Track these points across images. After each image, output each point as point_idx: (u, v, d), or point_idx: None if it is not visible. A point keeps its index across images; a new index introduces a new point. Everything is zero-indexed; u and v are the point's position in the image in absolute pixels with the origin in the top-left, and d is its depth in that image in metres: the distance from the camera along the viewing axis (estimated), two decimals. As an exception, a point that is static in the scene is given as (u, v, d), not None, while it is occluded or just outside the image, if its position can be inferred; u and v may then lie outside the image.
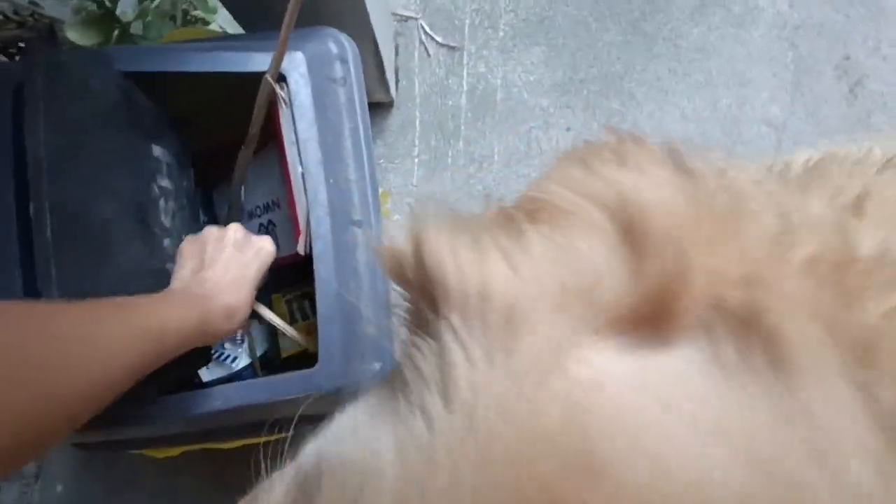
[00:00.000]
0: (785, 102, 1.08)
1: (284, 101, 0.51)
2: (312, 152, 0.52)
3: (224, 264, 0.49)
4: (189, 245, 0.50)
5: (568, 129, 1.06)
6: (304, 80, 0.53)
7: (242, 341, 0.69)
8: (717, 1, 1.08)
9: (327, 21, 0.64)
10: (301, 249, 0.54)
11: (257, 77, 0.52)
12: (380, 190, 0.62)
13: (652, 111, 1.07)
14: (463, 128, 1.06)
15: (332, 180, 0.53)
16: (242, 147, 0.54)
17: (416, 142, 1.06)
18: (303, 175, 0.51)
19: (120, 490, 1.02)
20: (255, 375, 0.67)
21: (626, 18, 1.07)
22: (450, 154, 1.05)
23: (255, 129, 0.52)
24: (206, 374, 0.68)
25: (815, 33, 1.09)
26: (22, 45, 0.83)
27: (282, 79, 0.53)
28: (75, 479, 1.05)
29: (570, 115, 1.06)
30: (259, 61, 0.50)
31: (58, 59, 0.39)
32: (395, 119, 1.06)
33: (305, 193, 0.52)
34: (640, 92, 1.07)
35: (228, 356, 0.68)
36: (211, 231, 0.51)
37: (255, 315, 0.54)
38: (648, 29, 1.07)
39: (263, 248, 0.53)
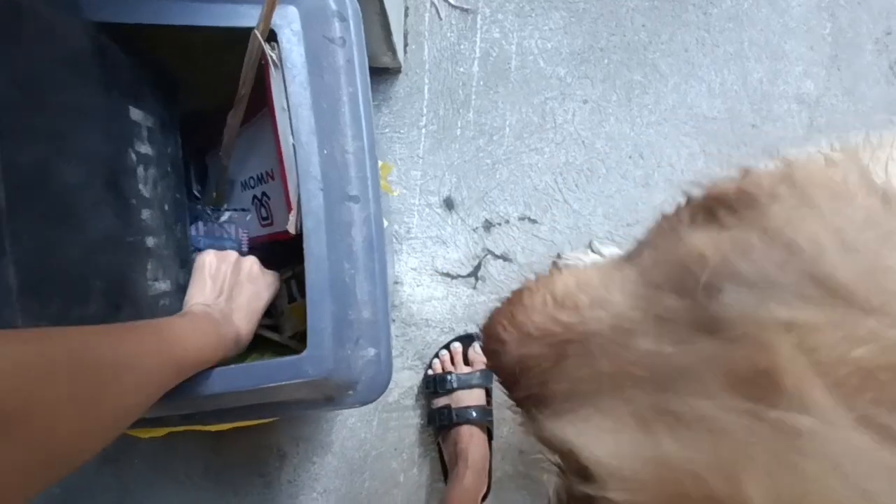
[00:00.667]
0: (820, 78, 1.00)
1: (274, 62, 0.46)
2: (305, 119, 0.47)
3: (242, 295, 0.52)
4: (211, 261, 0.52)
5: (585, 102, 1.00)
6: (298, 38, 0.47)
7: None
8: (754, -34, 1.00)
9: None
10: (291, 228, 0.50)
11: (247, 32, 0.47)
12: (380, 163, 0.58)
13: (677, 84, 1.00)
14: (474, 97, 1.00)
15: (326, 151, 0.48)
16: (231, 112, 0.49)
17: (424, 110, 1.00)
18: (294, 145, 0.47)
19: (111, 462, 1.01)
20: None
21: (652, -17, 0.99)
22: (459, 125, 1.00)
23: (243, 90, 0.47)
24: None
25: (857, 3, 1.01)
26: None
27: (272, 36, 0.48)
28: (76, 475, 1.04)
29: (588, 86, 1.00)
30: (247, 14, 0.45)
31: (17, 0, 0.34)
32: (402, 85, 1.00)
33: (297, 165, 0.47)
34: (664, 63, 1.00)
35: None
36: (231, 255, 0.54)
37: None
38: (671, 2, 1.00)
39: (273, 284, 0.56)
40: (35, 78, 0.36)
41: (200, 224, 0.68)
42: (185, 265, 0.57)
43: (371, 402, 0.53)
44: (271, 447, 1.02)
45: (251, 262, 0.55)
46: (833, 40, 1.01)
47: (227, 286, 0.52)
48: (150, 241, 0.48)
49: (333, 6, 0.52)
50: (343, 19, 0.52)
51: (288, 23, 0.48)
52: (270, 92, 0.50)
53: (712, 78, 1.00)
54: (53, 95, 0.37)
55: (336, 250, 0.49)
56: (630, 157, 1.00)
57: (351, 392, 0.53)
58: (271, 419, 0.57)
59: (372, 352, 0.53)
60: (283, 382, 0.46)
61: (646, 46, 1.00)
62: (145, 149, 0.48)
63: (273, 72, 0.48)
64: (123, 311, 0.43)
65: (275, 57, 0.46)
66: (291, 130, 0.47)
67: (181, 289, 0.55)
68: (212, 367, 0.45)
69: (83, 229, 0.38)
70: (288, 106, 0.47)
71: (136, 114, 0.47)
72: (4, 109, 0.33)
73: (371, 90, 0.59)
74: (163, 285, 0.51)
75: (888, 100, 1.02)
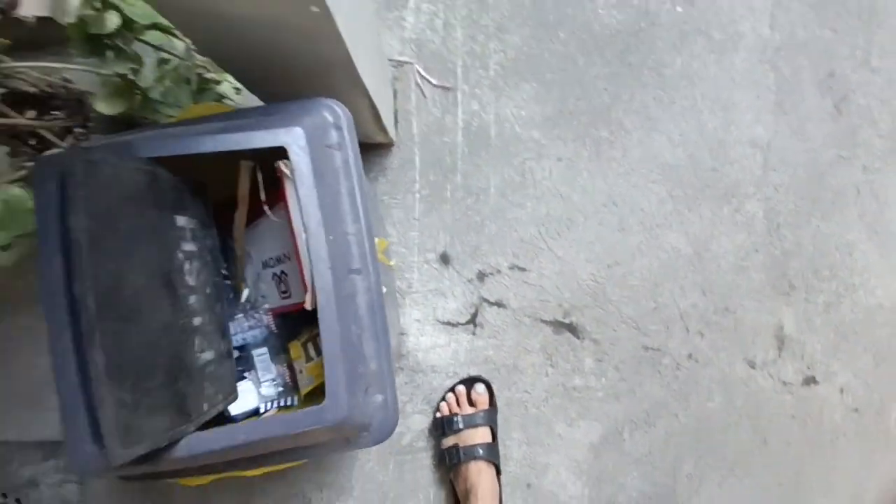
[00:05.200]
0: (769, 123, 1.12)
1: (287, 175, 0.58)
2: (313, 214, 0.59)
3: None
4: None
5: (559, 160, 1.12)
6: (304, 152, 0.60)
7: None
8: (699, 29, 1.13)
9: (324, 83, 0.72)
10: (308, 305, 0.61)
11: (256, 149, 0.60)
12: (376, 239, 0.69)
13: (641, 138, 1.12)
14: (460, 163, 1.12)
15: (331, 237, 0.60)
16: (236, 213, 0.61)
17: (417, 178, 1.12)
18: (306, 237, 0.58)
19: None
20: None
21: (611, 52, 1.13)
22: (448, 188, 1.12)
23: (242, 192, 0.59)
24: (233, 408, 0.75)
25: (798, 53, 1.13)
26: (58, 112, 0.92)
27: (284, 153, 0.60)
28: (116, 506, 1.13)
29: (561, 145, 1.12)
30: (259, 139, 0.58)
31: (91, 158, 0.47)
32: (395, 158, 1.13)
33: (309, 252, 0.59)
34: (628, 120, 1.12)
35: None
36: None
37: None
38: (633, 60, 1.13)
39: None
40: (108, 212, 0.48)
41: (240, 316, 0.80)
42: (224, 336, 0.67)
43: (383, 440, 0.63)
44: (298, 495, 1.11)
45: None
46: (777, 88, 1.13)
47: None
48: (197, 321, 0.59)
49: (330, 119, 0.64)
50: (338, 128, 0.64)
51: (295, 140, 0.60)
52: (285, 193, 0.62)
53: (672, 130, 1.12)
54: (121, 222, 0.49)
55: (345, 317, 0.60)
56: (605, 206, 1.11)
57: (365, 433, 0.63)
58: (301, 462, 0.66)
59: (380, 398, 0.63)
60: (308, 429, 0.56)
61: (609, 107, 1.12)
62: (189, 246, 0.59)
63: (287, 181, 0.61)
64: (180, 381, 0.54)
65: (287, 171, 0.59)
66: (303, 225, 0.59)
67: (223, 356, 0.65)
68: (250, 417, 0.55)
69: (147, 321, 0.49)
70: (300, 205, 0.59)
71: (180, 220, 0.59)
72: (91, 238, 0.45)
73: (368, 164, 0.71)
74: (208, 355, 0.62)
75: (836, 136, 1.13)
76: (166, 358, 0.52)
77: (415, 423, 1.11)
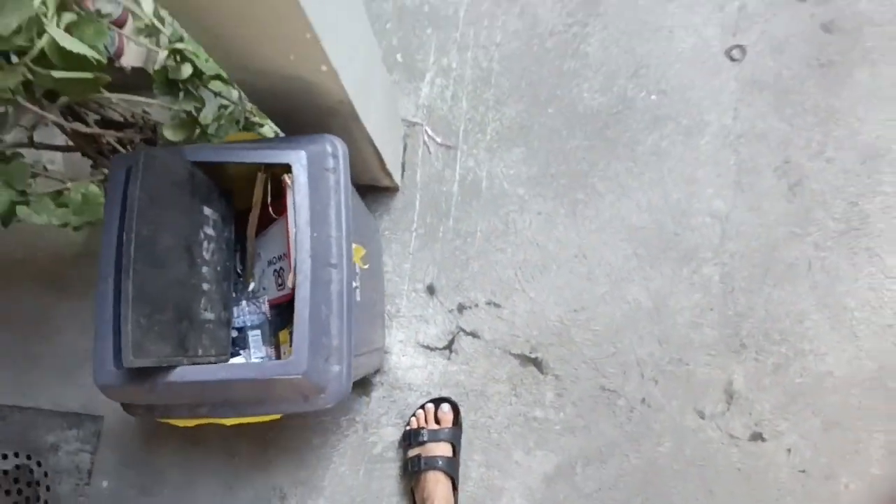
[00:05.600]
0: (728, 198, 1.26)
1: (289, 184, 0.78)
2: (303, 215, 0.77)
3: None
4: None
5: (539, 213, 1.28)
6: (304, 170, 0.79)
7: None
8: (670, 115, 1.32)
9: (336, 126, 0.93)
10: (289, 283, 0.78)
11: (273, 165, 0.80)
12: (355, 246, 0.87)
13: (612, 201, 1.28)
14: (453, 209, 1.31)
15: (315, 234, 0.78)
16: (251, 213, 0.81)
17: (415, 218, 1.31)
18: (295, 232, 0.77)
19: (151, 482, 1.24)
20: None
21: (591, 128, 1.32)
22: (441, 230, 1.30)
23: (256, 197, 0.79)
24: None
25: (757, 141, 1.29)
26: (134, 142, 1.17)
27: (289, 168, 0.80)
28: (118, 477, 1.27)
29: (541, 202, 1.29)
30: (270, 155, 0.78)
31: (152, 153, 0.67)
32: (399, 200, 1.33)
33: (296, 243, 0.77)
34: (601, 185, 1.29)
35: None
36: None
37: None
38: (610, 135, 1.31)
39: None
40: (157, 191, 0.68)
41: (244, 303, 0.98)
42: (226, 308, 0.85)
43: (333, 404, 0.77)
44: (275, 488, 1.22)
45: None
46: (737, 169, 1.28)
47: None
48: (205, 286, 0.77)
49: (329, 150, 0.84)
50: (335, 157, 0.84)
51: (299, 159, 0.80)
52: (286, 200, 0.81)
53: (640, 197, 1.28)
54: (164, 198, 0.69)
55: (317, 297, 0.77)
56: (576, 257, 1.26)
57: (322, 395, 0.77)
58: (269, 417, 0.80)
59: (337, 368, 0.78)
60: (274, 376, 0.71)
61: (586, 173, 1.30)
62: (210, 231, 0.78)
63: (289, 190, 0.80)
64: (183, 323, 0.71)
65: (289, 182, 0.78)
66: (295, 222, 0.77)
67: (222, 322, 0.82)
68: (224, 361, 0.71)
69: (169, 272, 0.67)
70: (295, 207, 0.78)
71: (207, 210, 0.79)
72: (141, 208, 0.65)
73: (375, 204, 0.90)
74: (210, 315, 0.79)
75: (790, 214, 1.26)
76: (177, 303, 0.70)
77: (387, 435, 1.23)
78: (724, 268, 1.23)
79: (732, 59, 1.33)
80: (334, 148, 0.84)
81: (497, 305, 1.25)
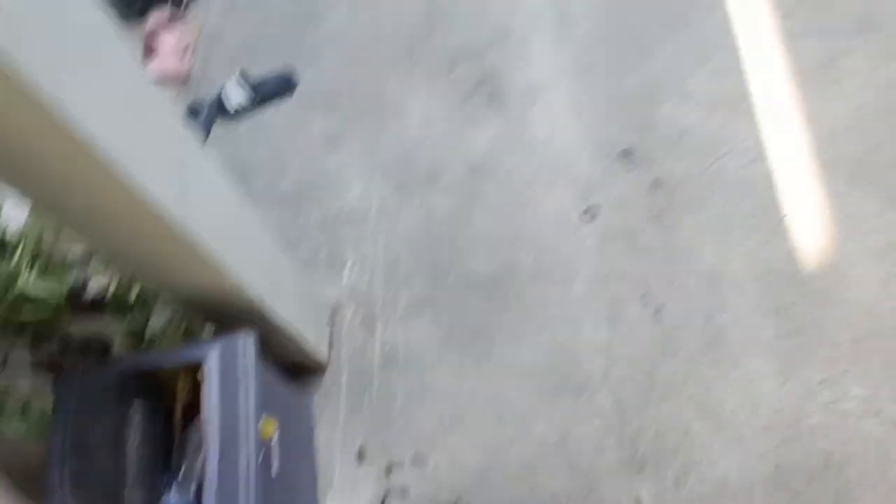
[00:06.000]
0: (605, 330, 1.47)
1: (204, 377, 0.97)
2: (213, 400, 0.95)
3: None
4: None
5: (450, 368, 1.47)
6: (216, 365, 0.99)
7: None
8: (545, 270, 1.58)
9: (256, 323, 1.14)
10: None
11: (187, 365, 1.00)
12: (264, 419, 1.03)
13: (510, 350, 1.48)
14: (376, 377, 1.49)
15: (223, 415, 0.95)
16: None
17: (343, 390, 1.48)
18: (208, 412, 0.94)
19: None
20: None
21: (484, 289, 1.57)
22: (366, 397, 1.47)
23: (181, 392, 0.98)
24: None
25: (620, 280, 1.55)
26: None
27: (206, 361, 1.00)
28: None
29: (451, 358, 1.48)
30: (191, 355, 0.99)
31: (83, 369, 0.88)
32: (328, 376, 1.51)
33: (207, 426, 0.93)
34: (499, 336, 1.50)
35: None
36: None
37: None
38: (500, 293, 1.56)
39: None
40: (88, 398, 0.87)
41: (174, 487, 1.10)
42: (153, 490, 0.98)
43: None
44: None
45: None
46: (608, 305, 1.50)
47: None
48: (131, 474, 0.92)
49: (241, 345, 1.05)
50: (244, 351, 1.05)
51: (212, 357, 1.00)
52: (203, 387, 1.00)
53: (532, 341, 1.48)
54: (95, 405, 0.88)
55: (225, 471, 0.91)
56: (486, 403, 1.42)
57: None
58: None
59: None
60: None
61: (485, 327, 1.51)
62: (140, 423, 0.95)
63: (203, 378, 0.99)
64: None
65: (204, 375, 0.98)
66: (208, 408, 0.95)
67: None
68: None
69: (98, 463, 0.83)
70: (208, 392, 0.96)
71: (136, 403, 0.97)
72: (71, 416, 0.83)
73: (305, 379, 1.09)
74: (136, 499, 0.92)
75: (658, 337, 1.45)
76: (104, 489, 0.84)
77: None
78: (613, 394, 1.39)
79: (587, 219, 1.65)
80: (245, 343, 1.05)
81: (422, 462, 1.37)
